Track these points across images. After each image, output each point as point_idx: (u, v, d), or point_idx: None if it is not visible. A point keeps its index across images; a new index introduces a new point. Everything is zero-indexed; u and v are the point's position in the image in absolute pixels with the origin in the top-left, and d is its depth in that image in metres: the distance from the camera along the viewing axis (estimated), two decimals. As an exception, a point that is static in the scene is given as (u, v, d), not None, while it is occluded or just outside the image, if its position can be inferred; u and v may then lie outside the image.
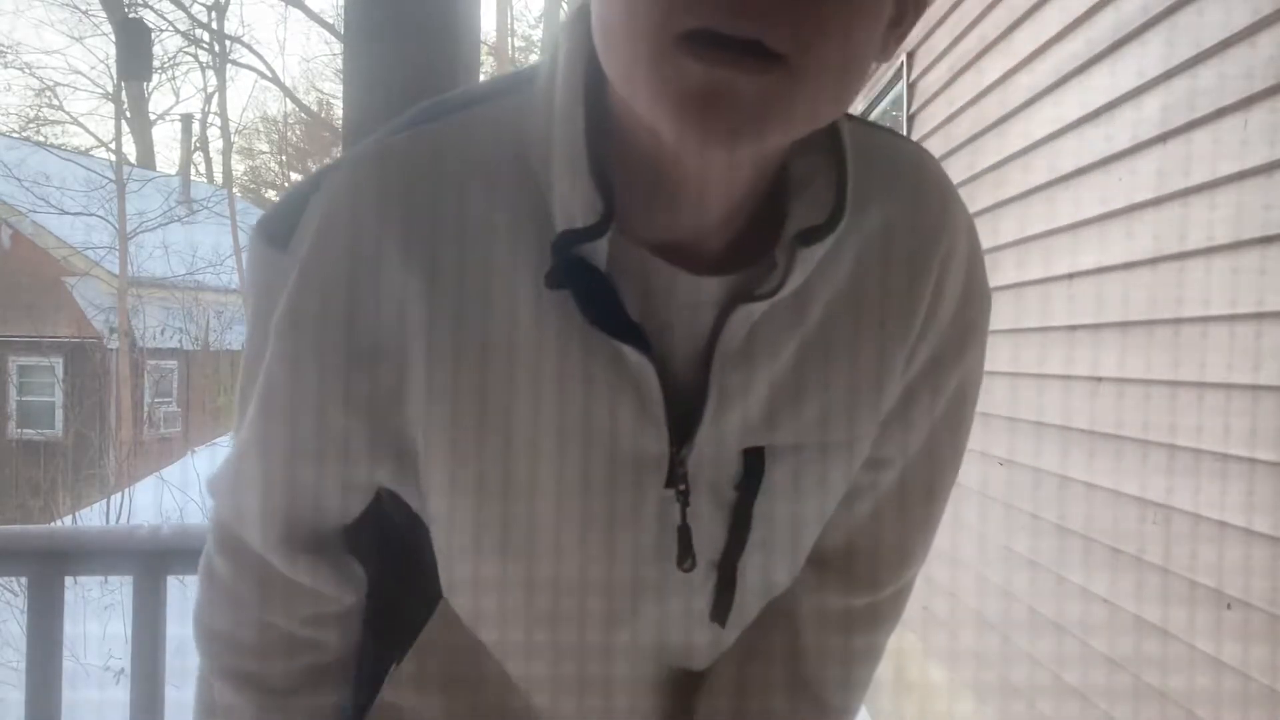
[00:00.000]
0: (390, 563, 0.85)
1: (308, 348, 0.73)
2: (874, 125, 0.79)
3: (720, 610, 0.80)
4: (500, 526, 0.75)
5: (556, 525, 0.75)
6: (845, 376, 0.75)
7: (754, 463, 0.75)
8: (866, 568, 0.85)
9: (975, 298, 0.80)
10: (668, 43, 0.57)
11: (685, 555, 0.76)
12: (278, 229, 0.75)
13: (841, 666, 0.87)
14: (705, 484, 0.75)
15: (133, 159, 18.75)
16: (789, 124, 0.60)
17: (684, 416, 0.73)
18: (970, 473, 3.88)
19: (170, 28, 18.85)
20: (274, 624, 0.82)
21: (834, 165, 0.71)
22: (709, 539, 0.77)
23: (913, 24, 0.66)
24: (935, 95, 4.67)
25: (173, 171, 19.58)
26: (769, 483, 0.76)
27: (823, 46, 0.58)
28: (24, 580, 1.69)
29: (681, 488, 0.74)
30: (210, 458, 10.42)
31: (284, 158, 23.78)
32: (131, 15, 16.74)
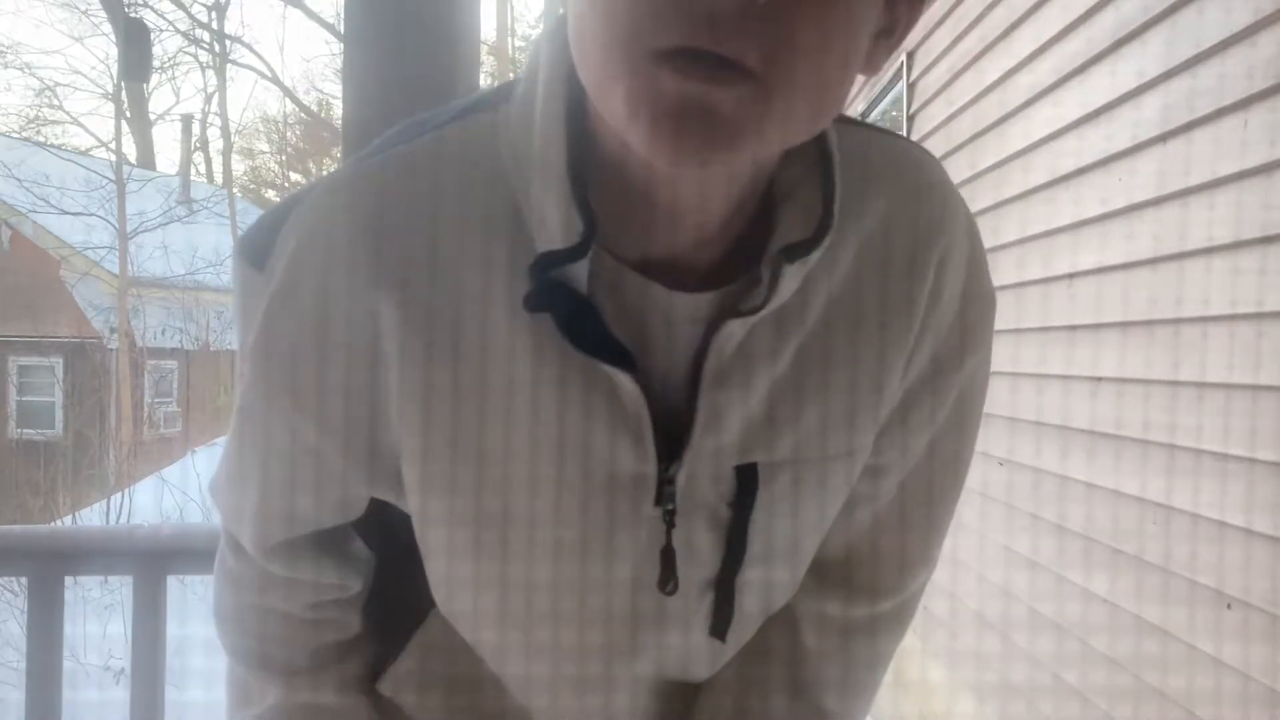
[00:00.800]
0: (390, 557, 0.85)
1: (280, 377, 0.73)
2: (871, 127, 0.78)
3: (720, 626, 0.79)
4: (489, 549, 0.75)
5: (546, 548, 0.74)
6: (845, 384, 0.75)
7: (748, 480, 0.74)
8: (866, 577, 0.84)
9: (976, 300, 0.79)
10: (642, 58, 0.56)
11: (668, 578, 0.75)
12: (255, 248, 0.74)
13: (841, 670, 0.86)
14: (699, 503, 0.74)
15: (133, 159, 18.76)
16: (762, 140, 0.60)
17: (674, 435, 0.72)
18: (970, 473, 3.87)
19: (170, 28, 18.87)
20: (288, 612, 0.83)
21: (821, 175, 0.70)
22: (705, 557, 0.76)
23: (904, 36, 0.65)
24: (935, 95, 4.67)
25: (173, 171, 19.58)
26: (764, 498, 0.75)
27: (797, 62, 0.57)
28: (24, 580, 1.69)
29: (669, 507, 0.73)
30: (210, 458, 10.44)
31: (284, 158, 23.79)
32: (131, 15, 16.74)
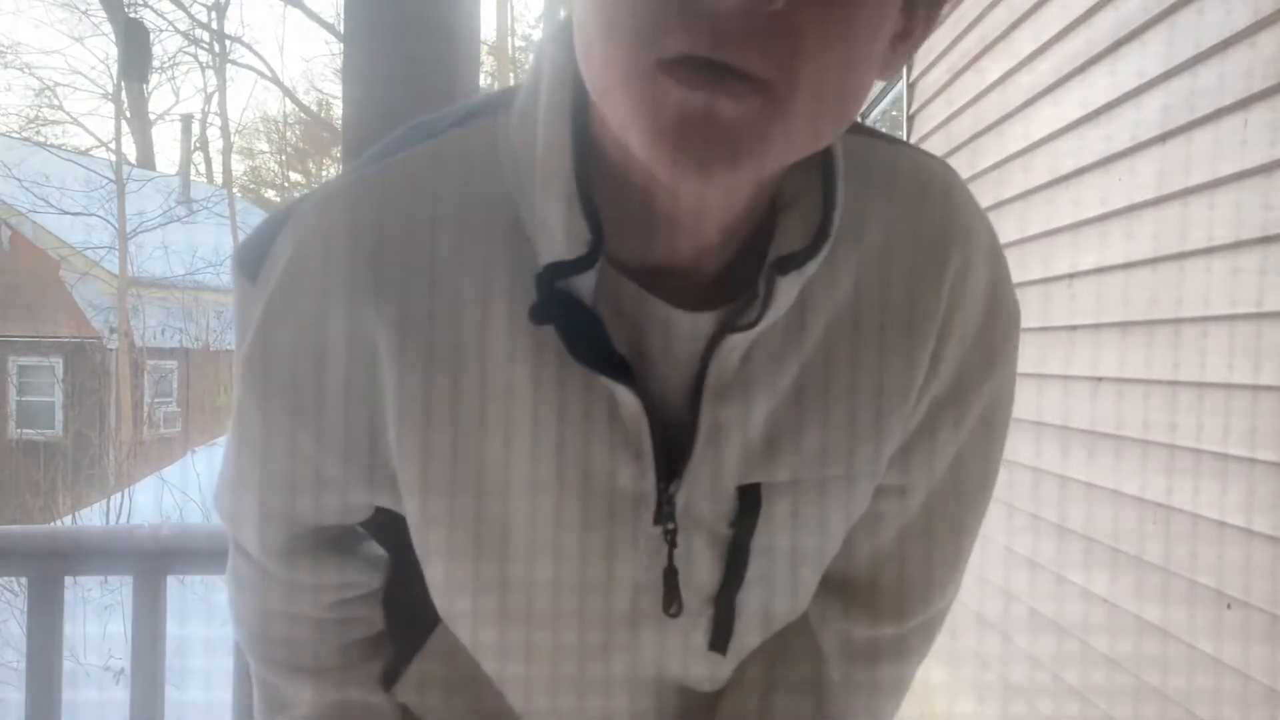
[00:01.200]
0: (400, 564, 0.85)
1: (275, 386, 0.72)
2: (877, 134, 0.75)
3: (719, 642, 0.78)
4: (487, 551, 0.74)
5: (543, 564, 0.74)
6: (845, 405, 0.72)
7: (750, 500, 0.72)
8: (892, 596, 0.82)
9: (998, 318, 0.76)
10: (644, 66, 0.55)
11: (671, 599, 0.74)
12: (250, 257, 0.73)
13: (867, 699, 0.84)
14: (699, 521, 0.72)
15: (133, 159, 18.75)
16: (767, 153, 0.57)
17: (674, 452, 0.70)
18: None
19: (170, 28, 18.88)
20: (314, 615, 0.82)
21: (824, 185, 0.68)
22: (704, 575, 0.74)
23: (923, 39, 0.63)
24: (935, 95, 4.67)
25: (173, 171, 19.57)
26: (766, 518, 0.73)
27: (809, 72, 0.54)
28: (24, 580, 1.69)
29: (670, 526, 0.71)
30: (210, 458, 10.44)
31: (284, 158, 23.78)
32: (131, 15, 16.75)
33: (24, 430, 14.13)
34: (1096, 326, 3.06)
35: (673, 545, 0.72)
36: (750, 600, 0.77)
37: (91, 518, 10.28)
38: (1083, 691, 3.03)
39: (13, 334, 14.39)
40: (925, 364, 0.73)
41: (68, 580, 1.59)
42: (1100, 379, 3.01)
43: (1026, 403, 3.51)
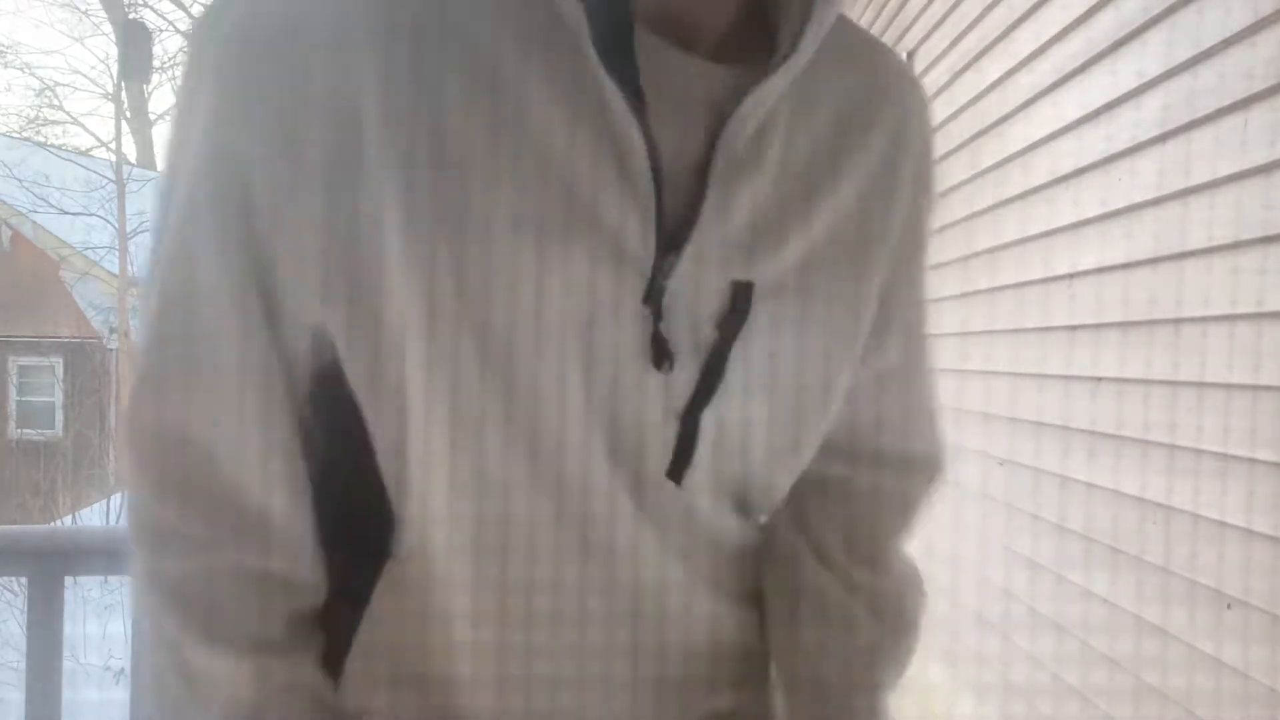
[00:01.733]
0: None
1: (236, 68, 0.68)
2: None
3: (678, 465, 0.72)
4: (494, 312, 0.68)
5: (533, 319, 0.68)
6: (830, 219, 0.75)
7: (741, 301, 0.70)
8: (869, 439, 0.85)
9: (933, 187, 0.85)
10: None
11: (661, 357, 0.69)
12: None
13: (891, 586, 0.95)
14: (685, 313, 0.70)
15: (133, 159, 18.74)
16: None
17: (676, 229, 0.69)
18: (970, 473, 3.87)
19: (170, 28, 18.88)
20: (240, 563, 0.70)
21: None
22: (679, 379, 0.71)
23: None
24: (935, 95, 4.67)
25: (173, 171, 19.51)
26: (751, 326, 0.71)
27: None
28: (24, 580, 1.69)
29: (661, 301, 0.69)
30: (210, 458, 10.41)
31: (284, 158, 23.71)
32: (132, 16, 16.75)
33: (24, 430, 14.14)
34: (1096, 326, 3.05)
35: (659, 319, 0.69)
36: (714, 420, 0.72)
37: (91, 518, 10.29)
38: (1083, 691, 3.03)
39: (13, 334, 14.40)
40: (897, 216, 0.80)
41: (68, 580, 1.59)
42: (1100, 379, 3.01)
43: (1026, 403, 3.51)
